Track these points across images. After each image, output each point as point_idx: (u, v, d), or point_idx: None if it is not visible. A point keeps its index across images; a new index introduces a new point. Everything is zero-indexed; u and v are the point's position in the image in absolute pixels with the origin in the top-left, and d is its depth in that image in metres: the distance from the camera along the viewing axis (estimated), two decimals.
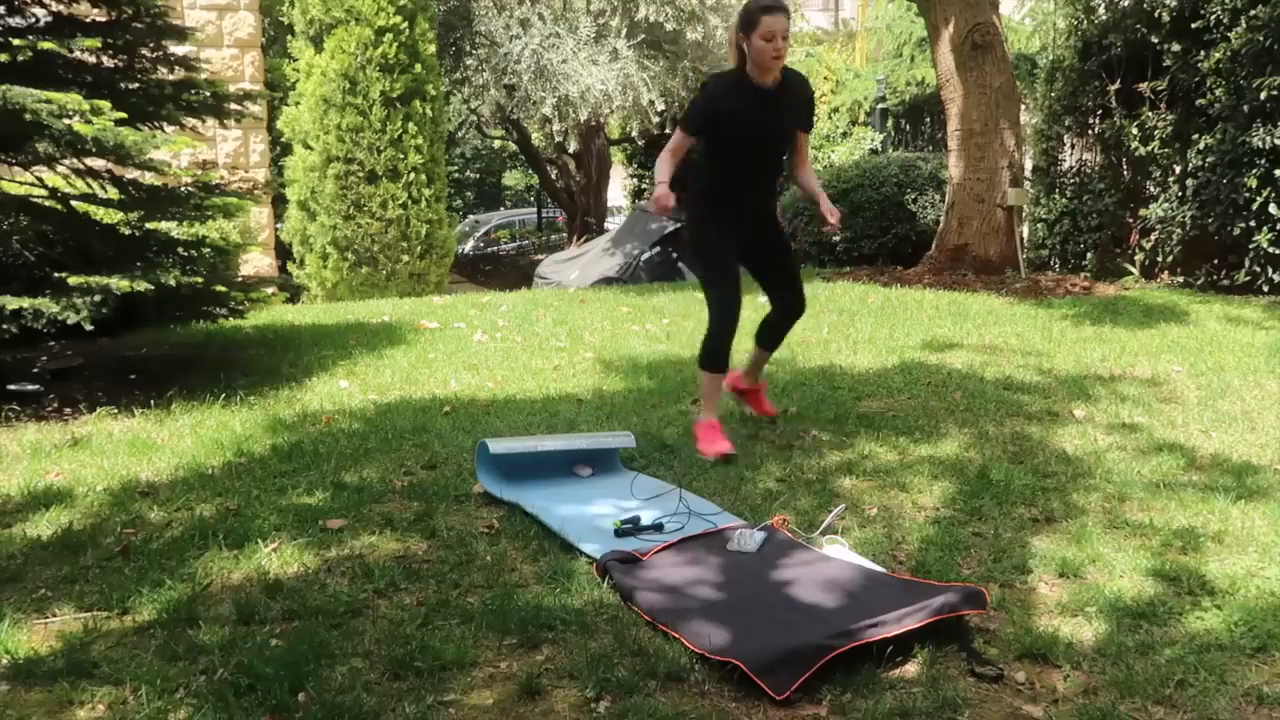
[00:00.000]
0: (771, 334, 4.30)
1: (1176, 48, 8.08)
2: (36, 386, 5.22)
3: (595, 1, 11.28)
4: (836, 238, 10.38)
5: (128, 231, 5.56)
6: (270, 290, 6.72)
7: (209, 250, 6.06)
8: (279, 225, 10.93)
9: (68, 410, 4.86)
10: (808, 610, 2.61)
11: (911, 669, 2.40)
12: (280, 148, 11.18)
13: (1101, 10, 8.86)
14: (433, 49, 10.36)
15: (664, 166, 3.92)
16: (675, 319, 7.23)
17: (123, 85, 5.45)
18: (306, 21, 10.14)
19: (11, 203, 5.32)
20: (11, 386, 5.17)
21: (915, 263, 9.36)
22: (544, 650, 2.50)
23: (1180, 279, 8.37)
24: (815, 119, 4.21)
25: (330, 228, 9.99)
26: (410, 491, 3.60)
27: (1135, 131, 8.46)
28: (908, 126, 13.95)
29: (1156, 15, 8.19)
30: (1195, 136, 7.97)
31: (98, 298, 4.73)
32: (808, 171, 4.18)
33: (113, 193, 5.54)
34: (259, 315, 7.18)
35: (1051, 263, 9.43)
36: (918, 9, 10.60)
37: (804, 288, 4.25)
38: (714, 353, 4.06)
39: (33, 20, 5.39)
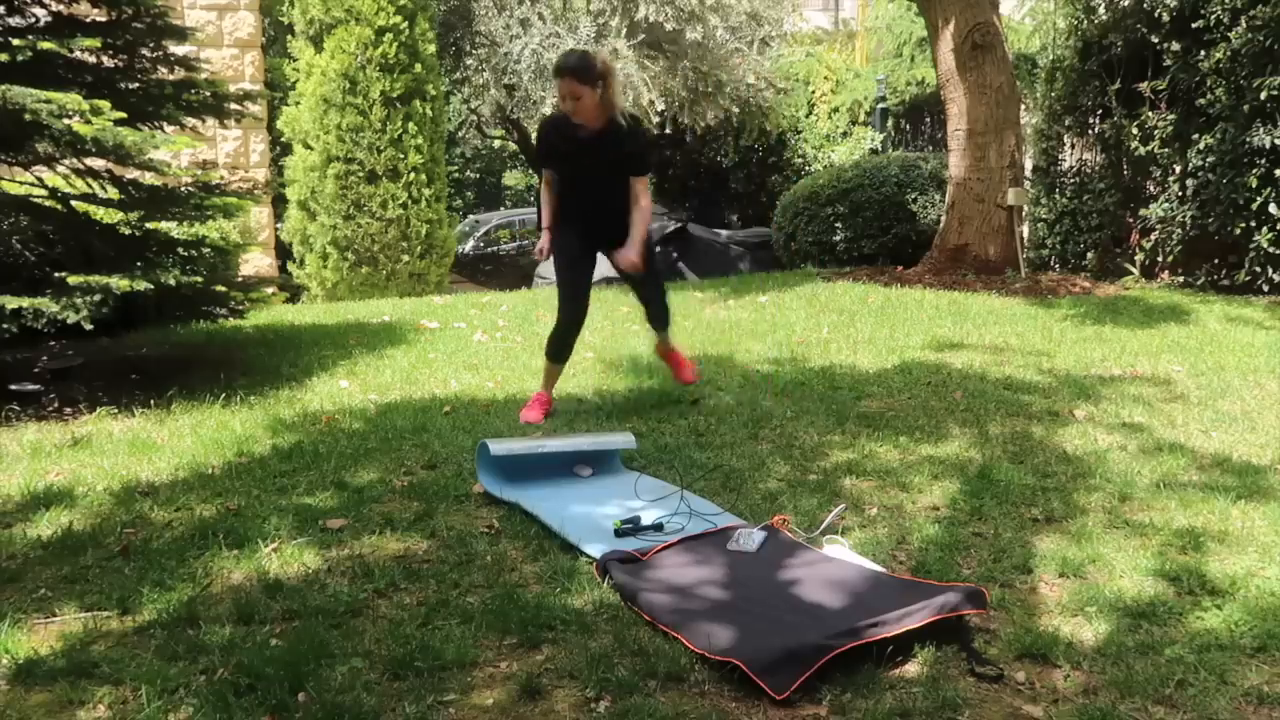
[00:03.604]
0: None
1: (1176, 47, 8.07)
2: (37, 386, 5.22)
3: (595, 1, 11.28)
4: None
5: (128, 231, 5.56)
6: (270, 290, 6.72)
7: (209, 250, 6.06)
8: (279, 225, 10.94)
9: (68, 410, 4.86)
10: (808, 610, 2.61)
11: (911, 669, 2.40)
12: (280, 148, 11.18)
13: (1101, 10, 8.85)
14: (433, 49, 10.36)
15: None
16: (675, 319, 7.20)
17: (123, 85, 5.45)
18: (306, 21, 10.14)
19: (11, 203, 5.32)
20: (12, 386, 5.17)
21: (915, 263, 9.36)
22: (544, 650, 2.50)
23: (1180, 279, 8.36)
24: (644, 162, 4.56)
25: (330, 227, 9.99)
26: (410, 491, 3.60)
27: (1135, 131, 8.46)
28: (908, 126, 13.94)
29: (1156, 15, 8.19)
30: (1195, 136, 7.97)
31: (98, 297, 4.73)
32: (635, 210, 4.46)
33: (113, 193, 5.54)
34: (259, 315, 7.18)
35: (1052, 262, 9.42)
36: (918, 9, 10.60)
37: (661, 303, 4.78)
38: (551, 343, 4.70)
39: (33, 20, 5.39)
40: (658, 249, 12.22)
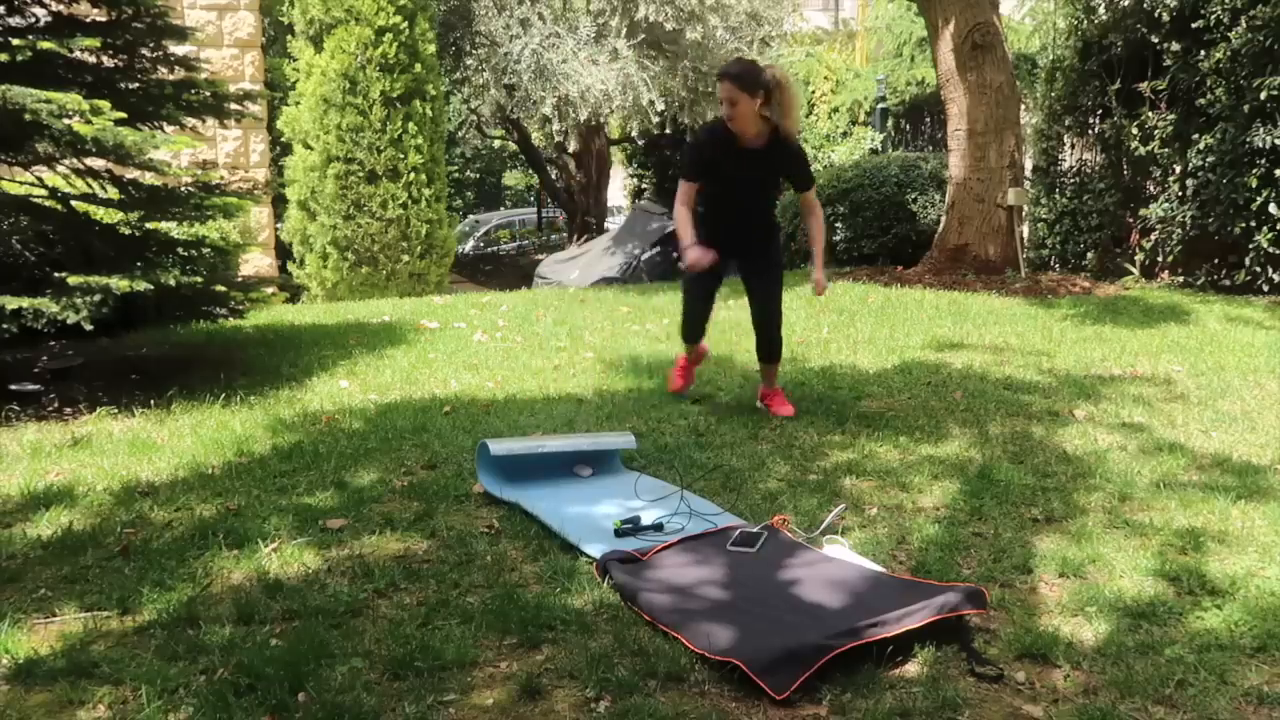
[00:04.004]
0: (758, 349, 4.68)
1: (1176, 47, 8.08)
2: (37, 386, 5.22)
3: (595, 1, 11.28)
4: (837, 239, 10.38)
5: (128, 231, 5.56)
6: (270, 290, 6.72)
7: (209, 250, 6.06)
8: (279, 225, 10.93)
9: (68, 410, 4.86)
10: (808, 610, 2.61)
11: (911, 669, 2.40)
12: (280, 148, 11.18)
13: (1101, 10, 8.86)
14: (433, 49, 10.36)
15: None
16: (675, 319, 7.22)
17: (123, 85, 5.45)
18: (306, 21, 10.14)
19: (11, 203, 5.32)
20: (12, 386, 5.17)
21: (915, 263, 9.36)
22: (544, 650, 2.50)
23: (1180, 279, 8.37)
24: (810, 179, 4.57)
25: (330, 227, 9.99)
26: (410, 491, 3.60)
27: (1135, 131, 8.46)
28: (908, 126, 13.94)
29: (1156, 15, 8.19)
30: (1195, 136, 7.97)
31: (98, 297, 4.73)
32: (813, 221, 4.60)
33: (113, 193, 5.54)
34: (259, 315, 7.18)
35: (1052, 262, 9.43)
36: (918, 9, 10.59)
37: (776, 316, 4.62)
38: (682, 332, 4.82)
39: (33, 20, 5.39)
40: (658, 249, 12.25)
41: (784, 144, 4.38)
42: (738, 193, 4.45)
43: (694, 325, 4.72)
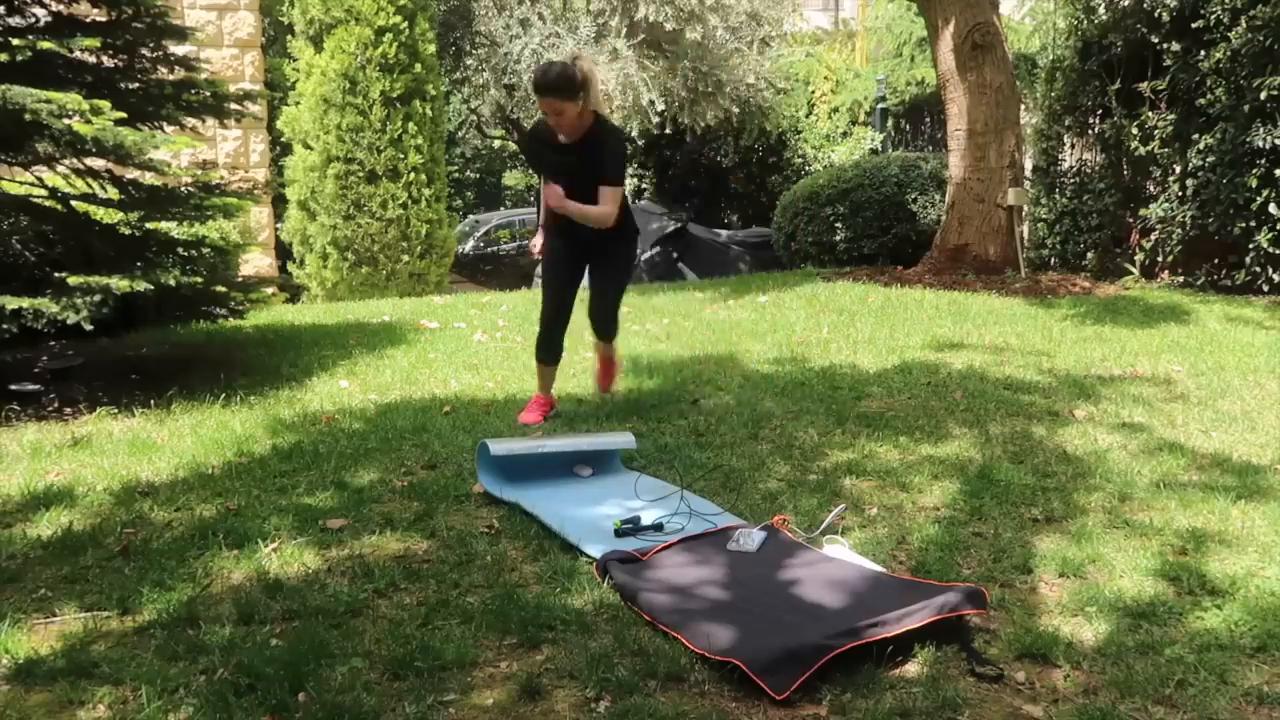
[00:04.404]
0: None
1: (1176, 47, 8.07)
2: (37, 386, 5.22)
3: (595, 1, 11.28)
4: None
5: (128, 231, 5.56)
6: (270, 290, 6.72)
7: (209, 250, 6.06)
8: (279, 225, 10.94)
9: (68, 410, 4.86)
10: (808, 610, 2.61)
11: (911, 669, 2.40)
12: (280, 148, 11.18)
13: (1101, 10, 8.85)
14: (433, 49, 10.36)
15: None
16: (675, 319, 7.23)
17: (123, 85, 5.45)
18: (306, 21, 10.14)
19: (11, 203, 5.32)
20: (12, 386, 5.17)
21: (915, 263, 9.36)
22: (544, 650, 2.50)
23: (1180, 279, 8.36)
24: (617, 170, 4.42)
25: (330, 228, 9.99)
26: (410, 491, 3.60)
27: (1135, 131, 8.46)
28: (908, 126, 13.94)
29: (1156, 15, 8.19)
30: (1195, 136, 7.97)
31: (98, 298, 4.73)
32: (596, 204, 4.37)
33: (113, 193, 5.54)
34: (259, 315, 7.18)
35: (1052, 262, 9.42)
36: (918, 9, 10.59)
37: (607, 318, 4.64)
38: (537, 345, 4.69)
39: (33, 20, 5.39)
40: (658, 249, 12.24)
41: (602, 131, 4.32)
42: (570, 185, 4.32)
43: (549, 331, 4.58)
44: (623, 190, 4.46)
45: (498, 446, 3.62)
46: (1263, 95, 7.44)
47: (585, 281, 4.67)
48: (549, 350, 4.63)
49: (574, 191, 4.31)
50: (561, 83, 4.15)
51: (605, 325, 4.66)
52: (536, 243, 4.67)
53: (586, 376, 5.41)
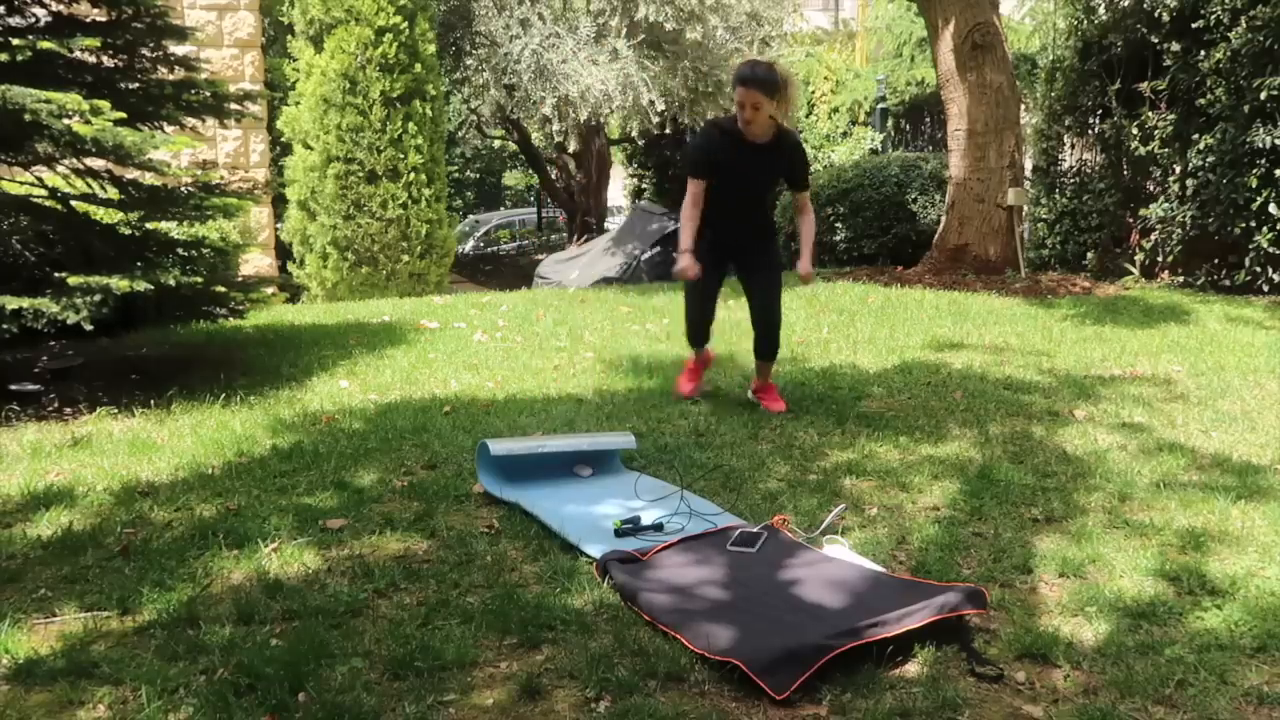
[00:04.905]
0: (756, 346, 4.70)
1: (1176, 48, 8.08)
2: (37, 386, 5.22)
3: (595, 1, 11.28)
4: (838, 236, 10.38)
5: (128, 231, 5.56)
6: (270, 290, 6.72)
7: (209, 250, 6.06)
8: (279, 225, 10.93)
9: (68, 410, 4.86)
10: (808, 610, 2.61)
11: (911, 669, 2.40)
12: (280, 148, 11.17)
13: (1101, 10, 8.86)
14: (433, 49, 10.36)
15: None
16: (676, 319, 7.22)
17: (123, 85, 5.45)
18: (306, 21, 10.14)
19: (11, 203, 5.32)
20: (12, 386, 5.17)
21: (915, 263, 9.36)
22: (544, 650, 2.50)
23: (1180, 279, 8.37)
24: (807, 179, 4.59)
25: (330, 228, 9.99)
26: (410, 491, 3.60)
27: (1135, 131, 8.46)
28: (908, 126, 13.94)
29: (1156, 15, 8.19)
30: (1195, 136, 7.97)
31: (98, 298, 4.73)
32: (803, 223, 4.63)
33: (113, 193, 5.54)
34: (259, 315, 7.18)
35: (1052, 263, 9.43)
36: (918, 9, 10.59)
37: (777, 322, 4.64)
38: (691, 337, 4.80)
39: (33, 20, 5.39)
40: (658, 249, 12.24)
41: (786, 139, 4.40)
42: (740, 191, 4.44)
43: (698, 328, 4.72)
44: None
45: (498, 446, 3.62)
46: (1263, 95, 7.44)
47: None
48: (702, 337, 4.73)
49: (742, 191, 4.41)
50: (770, 77, 4.18)
51: (776, 331, 4.61)
52: (686, 265, 4.41)
53: (587, 376, 5.42)
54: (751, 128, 4.25)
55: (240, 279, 7.16)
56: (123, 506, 3.49)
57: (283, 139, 10.58)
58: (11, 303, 4.64)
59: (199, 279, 5.30)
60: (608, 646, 2.49)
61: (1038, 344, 6.05)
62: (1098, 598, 2.72)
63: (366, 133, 9.87)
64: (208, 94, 5.56)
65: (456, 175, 26.33)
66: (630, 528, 3.19)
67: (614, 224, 16.31)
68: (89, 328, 4.81)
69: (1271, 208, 7.51)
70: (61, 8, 5.44)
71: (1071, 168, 9.33)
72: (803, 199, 4.58)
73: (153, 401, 4.91)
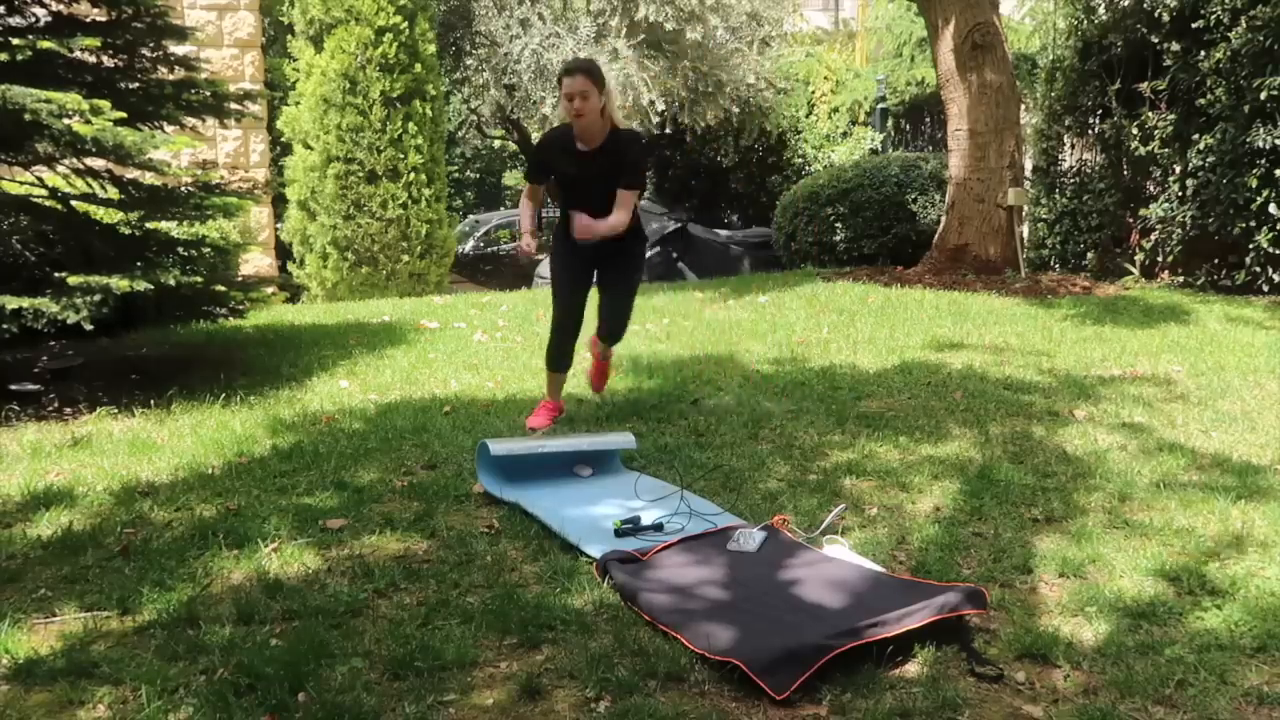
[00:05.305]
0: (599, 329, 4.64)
1: (1176, 48, 8.07)
2: (37, 386, 5.22)
3: (595, 1, 11.28)
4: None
5: (128, 231, 5.56)
6: (270, 290, 6.72)
7: (209, 250, 6.06)
8: (279, 225, 10.93)
9: (68, 410, 4.86)
10: (808, 610, 2.61)
11: (911, 669, 2.40)
12: (280, 148, 11.18)
13: (1101, 10, 8.85)
14: (433, 49, 10.36)
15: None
16: (675, 319, 7.23)
17: (123, 85, 5.45)
18: (306, 21, 10.14)
19: (11, 203, 5.32)
20: (12, 386, 5.17)
21: (915, 263, 9.36)
22: (544, 650, 2.50)
23: (1180, 279, 8.36)
24: (637, 175, 4.36)
25: (330, 227, 9.99)
26: (410, 491, 3.60)
27: (1135, 131, 8.46)
28: (908, 126, 13.93)
29: (1156, 15, 8.19)
30: (1195, 136, 7.97)
31: (98, 297, 4.73)
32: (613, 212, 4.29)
33: (113, 193, 5.54)
34: (259, 315, 7.18)
35: (1052, 263, 9.42)
36: (918, 9, 10.59)
37: (624, 321, 4.61)
38: (548, 354, 4.59)
39: (33, 20, 5.39)
40: (658, 249, 12.23)
41: (620, 137, 4.27)
42: (589, 194, 4.28)
43: (561, 341, 4.49)
44: (640, 194, 4.44)
45: (498, 446, 3.62)
46: (1263, 95, 7.44)
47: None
48: (561, 359, 4.52)
49: (588, 201, 4.26)
50: (590, 65, 4.17)
51: (620, 327, 4.61)
52: (528, 243, 4.51)
53: (587, 376, 5.41)
54: (585, 121, 4.12)
55: (240, 279, 7.16)
56: (123, 506, 3.49)
57: (283, 139, 10.58)
58: (11, 303, 4.64)
59: (199, 279, 5.31)
60: (608, 646, 2.49)
61: (1038, 344, 6.05)
62: (1098, 598, 2.72)
63: (366, 133, 9.87)
64: (208, 94, 5.56)
65: (456, 175, 26.33)
66: (630, 528, 3.19)
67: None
68: (89, 328, 4.81)
69: (1271, 208, 7.51)
70: (61, 8, 5.44)
71: (1071, 168, 9.33)
72: (622, 197, 4.25)
73: (153, 401, 4.91)
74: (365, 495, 3.55)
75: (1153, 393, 4.87)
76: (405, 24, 9.92)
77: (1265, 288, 7.72)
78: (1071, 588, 2.81)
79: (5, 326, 4.79)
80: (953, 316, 6.98)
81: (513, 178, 31.02)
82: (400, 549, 3.11)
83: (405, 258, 10.16)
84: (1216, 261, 8.10)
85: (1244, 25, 7.53)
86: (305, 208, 10.23)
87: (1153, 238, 8.54)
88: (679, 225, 12.70)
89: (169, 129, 5.68)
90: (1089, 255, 9.01)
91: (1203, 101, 7.89)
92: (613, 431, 4.25)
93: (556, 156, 4.35)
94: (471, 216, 24.84)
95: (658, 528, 3.21)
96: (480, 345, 6.39)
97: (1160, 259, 8.53)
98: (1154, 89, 8.34)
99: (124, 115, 4.82)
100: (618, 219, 4.27)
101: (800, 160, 14.10)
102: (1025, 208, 9.28)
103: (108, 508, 3.49)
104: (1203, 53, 7.88)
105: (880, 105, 13.97)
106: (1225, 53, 7.65)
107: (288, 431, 4.40)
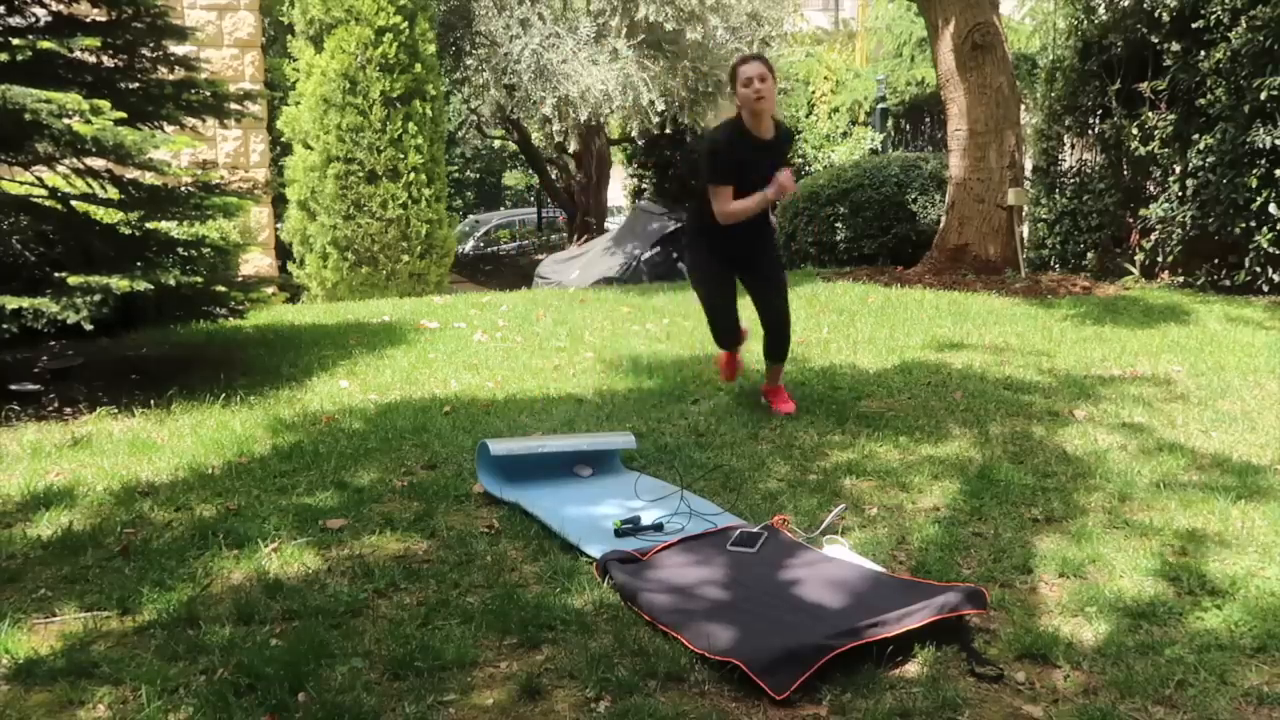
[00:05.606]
0: (767, 348, 4.66)
1: (1176, 48, 8.07)
2: (37, 386, 5.22)
3: (595, 1, 11.28)
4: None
5: (128, 231, 5.56)
6: (270, 290, 6.72)
7: (209, 250, 6.06)
8: (279, 225, 10.93)
9: (68, 410, 4.86)
10: (808, 610, 2.61)
11: (911, 669, 2.40)
12: (280, 148, 11.18)
13: (1101, 10, 8.85)
14: (433, 49, 10.36)
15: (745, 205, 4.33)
16: (675, 319, 7.23)
17: (123, 85, 5.45)
18: (306, 21, 10.14)
19: (11, 203, 5.32)
20: (12, 386, 5.17)
21: (915, 263, 9.36)
22: (544, 650, 2.50)
23: (1180, 279, 8.36)
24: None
25: (330, 227, 9.99)
26: (410, 491, 3.60)
27: (1135, 131, 8.46)
28: (908, 126, 13.94)
29: (1156, 15, 8.19)
30: (1195, 136, 7.97)
31: (98, 297, 4.73)
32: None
33: (113, 193, 5.54)
34: (259, 315, 7.18)
35: (1052, 263, 9.42)
36: (918, 9, 10.59)
37: (787, 318, 4.61)
38: (720, 339, 4.73)
39: (33, 20, 5.39)
40: (658, 249, 12.24)
41: (783, 130, 4.42)
42: (757, 187, 4.30)
43: (727, 335, 4.65)
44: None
45: (498, 446, 3.62)
46: (1263, 95, 7.43)
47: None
48: (733, 337, 4.65)
49: (757, 189, 4.28)
50: (766, 56, 4.31)
51: (786, 328, 4.59)
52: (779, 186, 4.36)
53: (587, 376, 5.42)
54: (765, 107, 4.19)
55: (240, 279, 7.16)
56: (123, 506, 3.49)
57: (283, 139, 10.58)
58: (11, 303, 4.64)
59: (199, 279, 5.31)
60: (608, 646, 2.49)
61: (1038, 344, 6.05)
62: (1098, 598, 2.72)
63: (366, 133, 9.87)
64: (208, 94, 5.56)
65: (456, 175, 26.34)
66: (630, 528, 3.19)
67: (614, 224, 16.31)
68: (89, 328, 4.81)
69: (1271, 208, 7.51)
70: (61, 8, 5.44)
71: (1071, 168, 9.33)
72: (786, 175, 4.33)
73: (153, 401, 4.91)
74: (365, 495, 3.55)
75: (1153, 393, 4.87)
76: (405, 24, 9.92)
77: (1265, 288, 7.72)
78: (1071, 588, 2.81)
79: (5, 326, 4.79)
80: (953, 316, 6.98)
81: (512, 178, 31.02)
82: (400, 549, 3.11)
83: (405, 258, 10.16)
84: (1216, 261, 8.10)
85: (1244, 25, 7.53)
86: (305, 208, 10.23)
87: (1153, 238, 8.54)
88: (679, 225, 12.70)
89: (169, 129, 5.68)
90: (1089, 255, 9.01)
91: (1203, 101, 7.89)
92: (613, 431, 4.25)
93: (745, 150, 4.29)
94: (471, 216, 24.85)
95: (658, 528, 3.21)
96: (480, 345, 6.39)
97: (1160, 259, 8.53)
98: (1154, 89, 8.34)
99: (124, 115, 4.82)
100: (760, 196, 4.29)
101: (800, 160, 14.11)
102: (1025, 208, 9.28)
103: (108, 508, 3.49)
104: (1203, 53, 7.88)
105: (880, 105, 13.97)
106: (1225, 53, 7.65)
107: (288, 431, 4.40)
